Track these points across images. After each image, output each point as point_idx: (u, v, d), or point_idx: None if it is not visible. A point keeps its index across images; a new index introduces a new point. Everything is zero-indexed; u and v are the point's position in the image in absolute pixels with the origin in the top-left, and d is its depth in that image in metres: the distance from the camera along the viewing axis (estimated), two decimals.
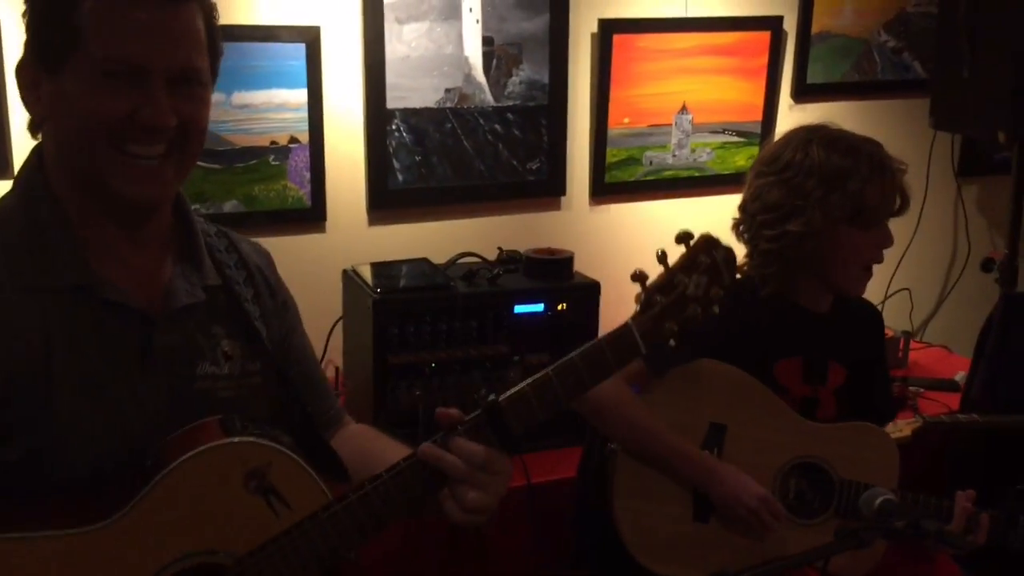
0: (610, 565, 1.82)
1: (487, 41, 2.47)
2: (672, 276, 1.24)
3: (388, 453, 1.28)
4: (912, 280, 2.99)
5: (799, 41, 2.84)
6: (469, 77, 2.47)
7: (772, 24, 2.78)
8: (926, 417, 2.19)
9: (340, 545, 1.18)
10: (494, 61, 2.49)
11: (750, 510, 1.72)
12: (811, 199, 1.78)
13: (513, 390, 1.20)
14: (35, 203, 1.19)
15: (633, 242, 2.73)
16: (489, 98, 2.51)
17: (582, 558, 1.94)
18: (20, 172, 1.24)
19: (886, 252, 1.87)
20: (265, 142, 2.31)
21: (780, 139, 1.91)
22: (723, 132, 2.80)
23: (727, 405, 1.79)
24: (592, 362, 1.22)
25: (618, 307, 2.36)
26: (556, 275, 2.27)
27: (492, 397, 1.19)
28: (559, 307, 2.21)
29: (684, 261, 1.25)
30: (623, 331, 1.23)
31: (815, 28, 2.84)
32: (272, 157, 2.34)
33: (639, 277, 1.23)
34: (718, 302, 1.24)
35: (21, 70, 1.19)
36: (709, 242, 1.25)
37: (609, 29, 2.59)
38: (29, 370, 1.14)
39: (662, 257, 1.24)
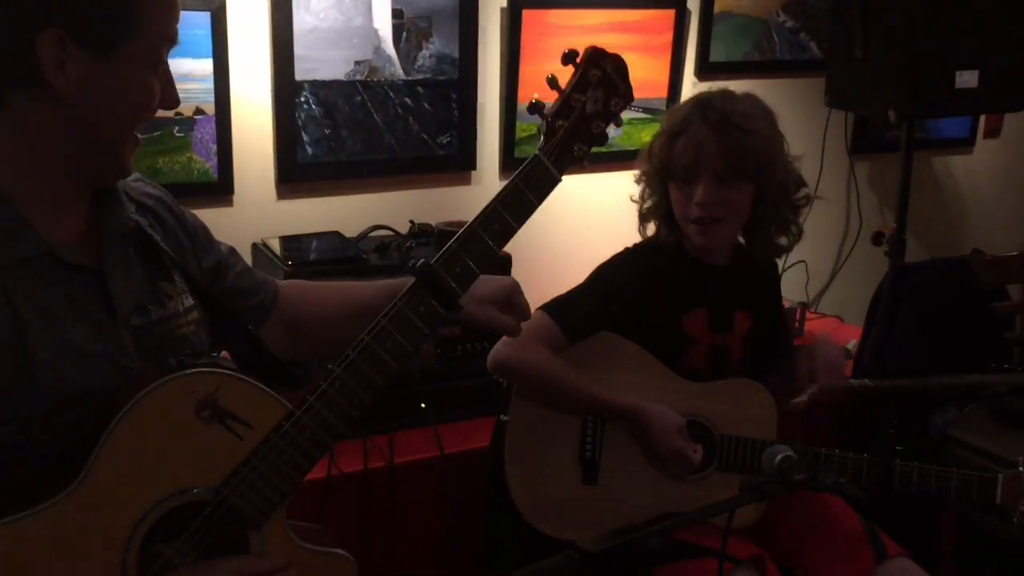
0: (513, 532, 1.85)
1: (397, 14, 2.46)
2: (567, 98, 1.24)
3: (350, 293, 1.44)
4: (808, 253, 3.10)
5: (702, 20, 2.91)
6: (379, 50, 2.46)
7: (677, 3, 2.84)
8: (821, 384, 2.29)
9: (314, 445, 1.19)
10: (404, 34, 2.48)
11: (675, 448, 1.78)
12: (652, 154, 1.91)
13: (442, 251, 1.23)
14: None
15: (543, 216, 2.75)
16: (399, 71, 2.50)
17: (491, 527, 1.97)
18: None
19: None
20: (169, 113, 2.26)
21: None
22: (630, 108, 2.85)
23: (613, 372, 1.85)
24: (513, 203, 1.25)
25: (529, 279, 2.40)
26: None
27: (423, 261, 1.22)
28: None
29: (575, 80, 1.25)
30: (534, 163, 1.24)
31: (717, 8, 2.91)
32: (176, 129, 2.28)
33: (535, 107, 1.25)
34: (619, 111, 1.25)
35: (45, 42, 1.12)
36: (595, 55, 1.25)
37: (518, 4, 2.61)
38: (4, 348, 1.12)
39: (552, 81, 1.25)
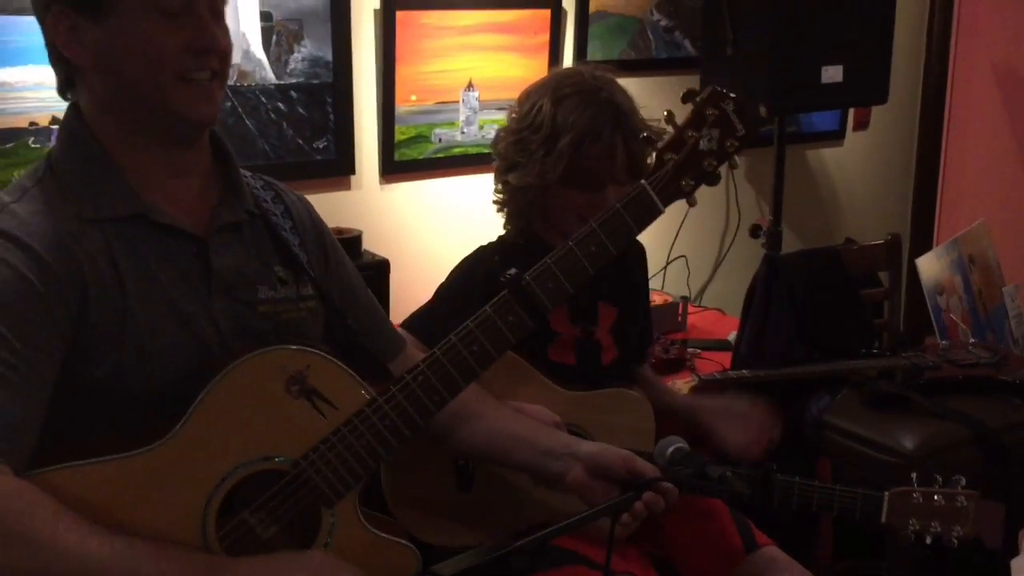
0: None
1: (265, 16, 2.40)
2: (681, 133, 1.28)
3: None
4: (688, 248, 3.17)
5: (578, 19, 2.93)
6: (247, 54, 2.39)
7: (552, 3, 2.85)
8: (700, 376, 2.33)
9: (392, 434, 1.25)
10: (274, 37, 2.42)
11: None
12: (533, 156, 1.77)
13: (537, 266, 1.28)
14: (82, 147, 1.28)
15: (424, 220, 2.75)
16: (270, 75, 2.44)
17: None
18: (62, 126, 1.33)
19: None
20: (23, 123, 2.14)
21: (531, 84, 1.88)
22: (510, 109, 2.85)
23: (490, 382, 1.76)
24: (612, 227, 1.29)
25: (410, 285, 2.39)
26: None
27: (514, 272, 1.27)
28: None
29: (691, 117, 1.29)
30: (638, 192, 1.28)
31: (592, 7, 2.94)
32: (31, 139, 2.17)
33: (649, 140, 1.30)
34: (735, 152, 1.27)
35: (53, 22, 1.24)
36: (715, 94, 1.28)
37: (391, 5, 2.57)
38: (107, 292, 1.21)
39: (669, 117, 1.28)
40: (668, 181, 1.29)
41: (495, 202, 1.93)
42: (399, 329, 1.72)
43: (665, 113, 1.28)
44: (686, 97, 1.28)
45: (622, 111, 1.78)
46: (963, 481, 1.70)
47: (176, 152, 1.31)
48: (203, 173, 1.36)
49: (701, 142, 1.28)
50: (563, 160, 1.75)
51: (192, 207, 1.33)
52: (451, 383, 1.28)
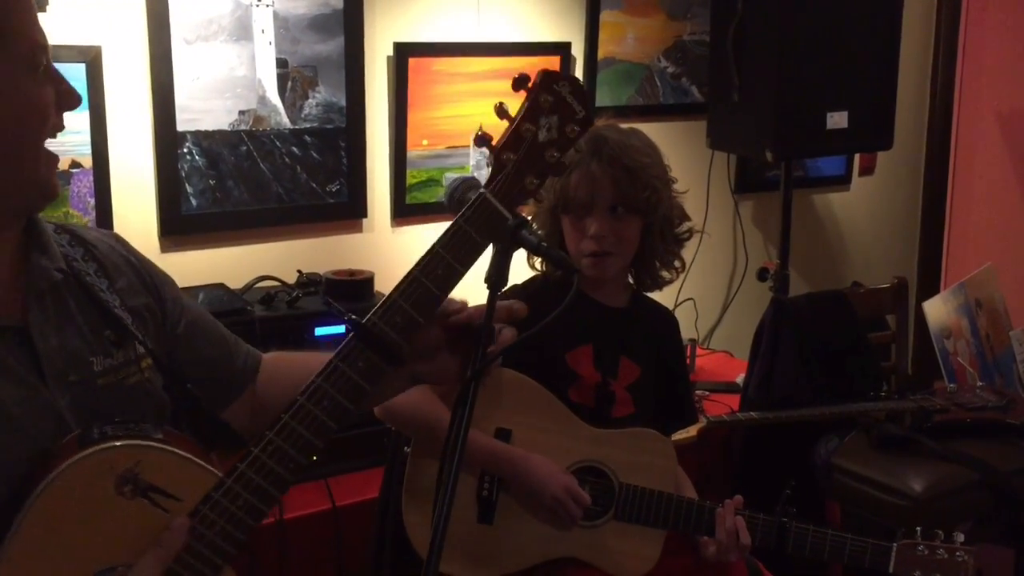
0: (404, 570, 1.82)
1: (281, 63, 2.46)
2: (517, 128, 1.14)
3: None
4: (697, 291, 3.19)
5: (587, 66, 2.98)
6: (263, 99, 2.45)
7: (561, 49, 2.91)
8: (709, 418, 2.34)
9: (248, 514, 1.11)
10: (289, 83, 2.48)
11: (557, 499, 1.75)
12: (544, 187, 1.88)
13: (380, 304, 1.14)
14: None
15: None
16: (285, 120, 2.49)
17: (379, 570, 1.93)
18: None
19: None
20: None
21: None
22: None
23: (513, 411, 1.83)
24: (457, 245, 1.14)
25: None
26: (357, 296, 2.29)
27: (354, 317, 1.12)
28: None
29: (525, 108, 1.15)
30: (479, 202, 1.14)
31: (601, 54, 3.00)
32: None
33: (482, 140, 1.15)
34: (576, 137, 1.14)
35: None
36: (548, 77, 1.15)
37: (404, 52, 2.63)
38: None
39: (502, 111, 1.14)
40: (510, 184, 1.15)
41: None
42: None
43: (497, 105, 1.14)
44: (517, 84, 1.13)
45: (605, 141, 1.86)
46: (962, 537, 1.74)
47: (6, 227, 1.16)
48: (14, 245, 1.18)
49: (540, 133, 1.14)
50: (555, 187, 1.86)
51: (11, 287, 1.17)
52: (305, 446, 1.13)
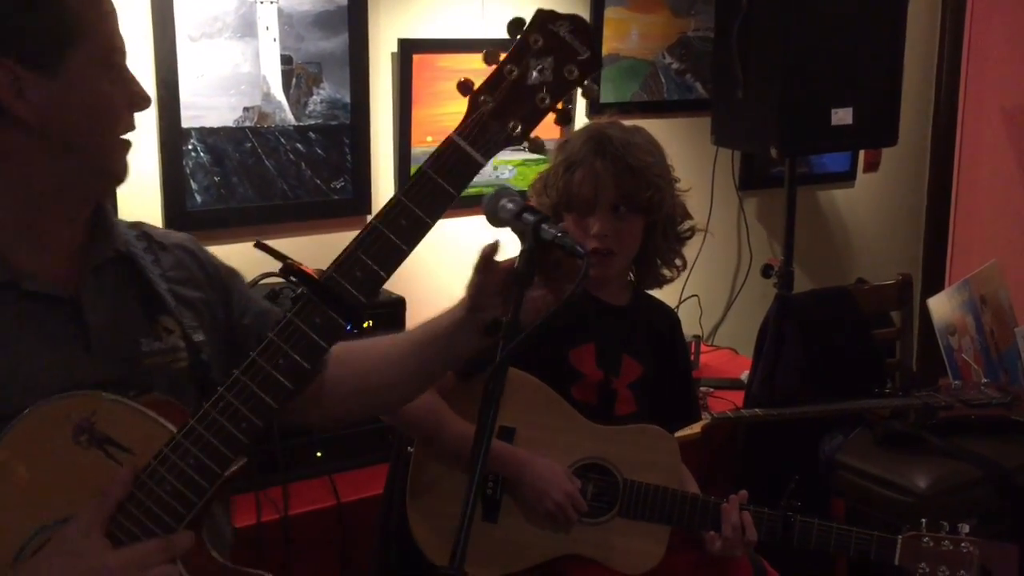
0: (408, 568, 1.83)
1: (285, 60, 2.46)
2: (499, 70, 1.08)
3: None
4: (701, 287, 3.18)
5: None
6: (268, 96, 2.45)
7: None
8: (713, 414, 2.34)
9: (199, 472, 1.09)
10: (294, 80, 2.48)
11: (558, 505, 1.75)
12: (548, 185, 1.91)
13: (340, 255, 1.08)
14: None
15: (439, 259, 2.77)
16: (290, 117, 2.49)
17: (384, 566, 1.94)
18: None
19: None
20: None
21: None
22: (522, 149, 2.89)
23: (517, 409, 1.83)
24: (423, 194, 1.07)
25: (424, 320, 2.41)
26: None
27: (301, 268, 1.08)
28: (365, 324, 2.22)
29: (512, 50, 1.08)
30: (446, 147, 1.06)
31: (605, 50, 2.99)
32: None
33: (464, 87, 1.07)
34: (578, 80, 1.05)
35: None
36: (543, 17, 1.07)
37: (409, 49, 2.63)
38: None
39: (491, 55, 1.07)
40: (483, 127, 1.07)
41: None
42: None
43: (485, 53, 1.07)
44: (512, 28, 1.06)
45: (608, 140, 1.86)
46: (967, 528, 1.73)
47: (75, 209, 1.22)
48: (81, 229, 1.25)
49: (531, 74, 1.07)
50: (558, 185, 1.87)
51: (70, 264, 1.22)
52: (259, 406, 1.09)
